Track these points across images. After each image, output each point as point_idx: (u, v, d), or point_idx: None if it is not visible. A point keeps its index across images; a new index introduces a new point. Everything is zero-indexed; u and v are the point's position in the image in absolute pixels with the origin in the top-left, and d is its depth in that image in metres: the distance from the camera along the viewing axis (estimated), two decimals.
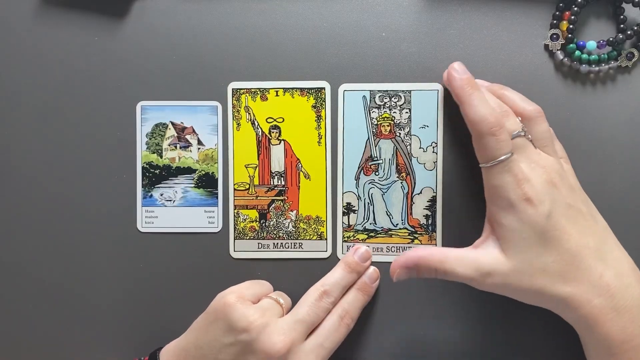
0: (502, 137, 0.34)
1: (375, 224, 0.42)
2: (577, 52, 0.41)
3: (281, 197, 0.43)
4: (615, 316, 0.33)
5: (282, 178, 0.43)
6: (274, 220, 0.43)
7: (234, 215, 0.43)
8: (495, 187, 0.34)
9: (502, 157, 0.34)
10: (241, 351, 0.35)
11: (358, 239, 0.42)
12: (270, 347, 0.35)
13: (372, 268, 0.41)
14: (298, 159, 0.43)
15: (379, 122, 0.42)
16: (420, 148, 0.42)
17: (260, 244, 0.43)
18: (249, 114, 0.43)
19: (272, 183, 0.43)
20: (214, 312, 0.37)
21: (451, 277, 0.35)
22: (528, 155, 0.35)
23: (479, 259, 0.35)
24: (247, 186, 0.43)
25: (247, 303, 0.37)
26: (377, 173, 0.42)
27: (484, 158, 0.35)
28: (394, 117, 0.42)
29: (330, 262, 0.42)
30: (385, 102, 0.42)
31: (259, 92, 0.43)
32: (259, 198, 0.43)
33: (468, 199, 0.42)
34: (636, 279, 0.34)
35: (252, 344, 0.35)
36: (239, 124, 0.43)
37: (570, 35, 0.40)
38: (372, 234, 0.42)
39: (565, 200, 0.34)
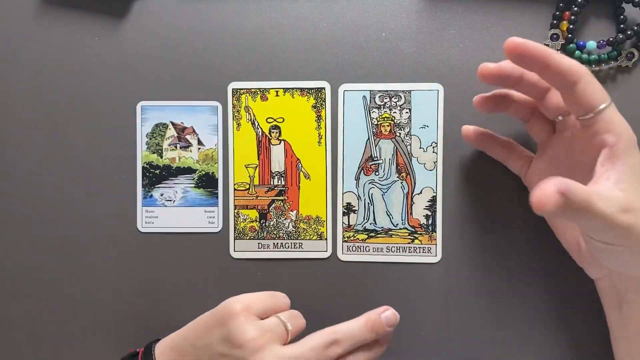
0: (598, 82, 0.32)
1: (375, 224, 0.42)
2: (577, 52, 0.41)
3: (281, 197, 0.43)
4: None
5: (282, 178, 0.43)
6: (274, 220, 0.43)
7: (234, 215, 0.43)
8: (616, 123, 0.32)
9: (607, 103, 0.32)
10: None
11: (358, 238, 0.42)
12: None
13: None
14: (298, 159, 0.43)
15: (379, 122, 0.42)
16: (420, 148, 0.42)
17: (260, 244, 0.43)
18: (249, 114, 0.43)
19: (272, 183, 0.43)
20: (218, 316, 0.36)
21: (590, 214, 0.29)
22: None
23: (615, 194, 0.31)
24: (247, 186, 0.43)
25: (251, 317, 0.36)
26: (377, 173, 0.42)
27: (592, 105, 0.32)
28: (394, 117, 0.42)
29: (330, 262, 0.42)
30: (385, 102, 0.42)
31: (259, 92, 0.43)
32: (259, 198, 0.43)
33: (468, 199, 0.42)
34: None
35: None
36: (239, 124, 0.43)
37: (570, 35, 0.40)
38: (372, 234, 0.42)
39: None
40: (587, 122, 0.33)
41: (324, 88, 0.42)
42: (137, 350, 0.39)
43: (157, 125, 0.43)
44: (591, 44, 0.40)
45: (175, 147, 0.43)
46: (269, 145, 0.43)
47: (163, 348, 0.38)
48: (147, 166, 0.43)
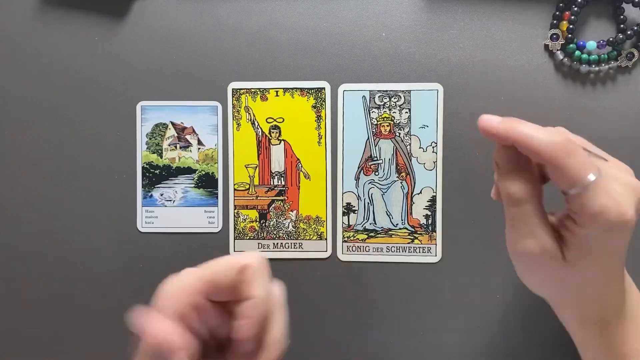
0: (582, 154, 0.29)
1: (375, 224, 0.42)
2: (577, 52, 0.41)
3: (281, 197, 0.43)
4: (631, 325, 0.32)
5: (282, 178, 0.43)
6: (274, 220, 0.43)
7: (234, 215, 0.43)
8: (594, 213, 0.28)
9: (592, 177, 0.28)
10: None
11: (358, 238, 0.42)
12: None
13: None
14: (298, 159, 0.43)
15: (378, 122, 0.42)
16: (420, 148, 0.42)
17: (260, 244, 0.43)
18: (249, 114, 0.43)
19: (272, 183, 0.43)
20: None
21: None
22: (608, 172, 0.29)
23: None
24: (247, 186, 0.43)
25: None
26: (377, 173, 0.42)
27: (571, 183, 0.28)
28: (394, 117, 0.42)
29: (330, 262, 0.42)
30: (385, 102, 0.42)
31: (259, 92, 0.43)
32: (259, 198, 0.43)
33: (468, 199, 0.42)
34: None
35: None
36: (239, 124, 0.43)
37: (570, 35, 0.40)
38: (372, 234, 0.42)
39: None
40: (574, 197, 0.29)
41: (323, 88, 0.42)
42: None
43: (157, 125, 0.43)
44: (591, 44, 0.40)
45: (175, 147, 0.43)
46: (269, 145, 0.43)
47: None
48: (147, 166, 0.43)
